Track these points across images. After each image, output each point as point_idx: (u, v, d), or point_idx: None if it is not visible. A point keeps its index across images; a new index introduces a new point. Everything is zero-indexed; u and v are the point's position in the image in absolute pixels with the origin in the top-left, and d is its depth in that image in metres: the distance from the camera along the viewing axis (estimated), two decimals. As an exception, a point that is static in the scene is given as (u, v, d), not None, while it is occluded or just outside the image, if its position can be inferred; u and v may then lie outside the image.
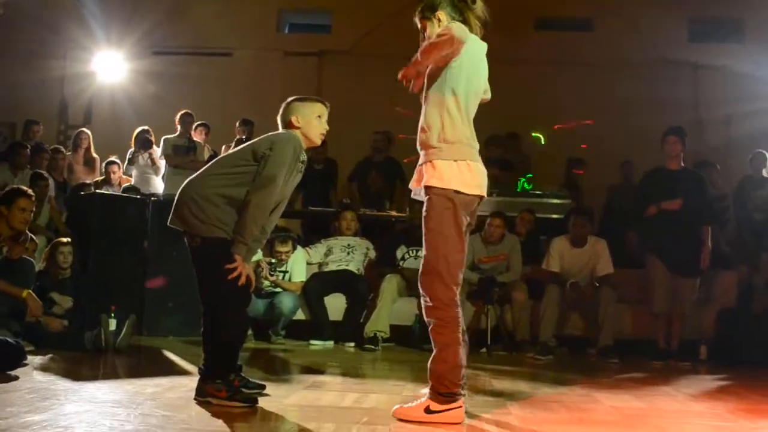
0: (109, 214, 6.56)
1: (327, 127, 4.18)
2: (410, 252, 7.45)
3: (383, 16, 11.92)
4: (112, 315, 5.75)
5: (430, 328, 3.65)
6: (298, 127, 4.08)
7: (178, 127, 9.30)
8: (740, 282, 7.48)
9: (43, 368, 4.74)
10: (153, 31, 11.37)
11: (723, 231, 8.19)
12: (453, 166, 3.56)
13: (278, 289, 7.16)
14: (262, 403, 3.85)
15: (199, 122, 9.64)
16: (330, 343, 7.00)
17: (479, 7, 3.75)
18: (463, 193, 3.56)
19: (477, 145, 3.68)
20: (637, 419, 3.98)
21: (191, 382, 4.01)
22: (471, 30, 3.66)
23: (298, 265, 7.30)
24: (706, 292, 7.29)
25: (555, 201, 9.02)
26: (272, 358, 6.21)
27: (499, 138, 9.78)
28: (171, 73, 11.40)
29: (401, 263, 7.43)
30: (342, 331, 7.12)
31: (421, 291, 3.73)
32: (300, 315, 7.27)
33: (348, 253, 7.54)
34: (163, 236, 6.51)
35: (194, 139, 9.42)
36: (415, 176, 3.73)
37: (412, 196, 3.92)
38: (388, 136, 9.70)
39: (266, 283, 7.14)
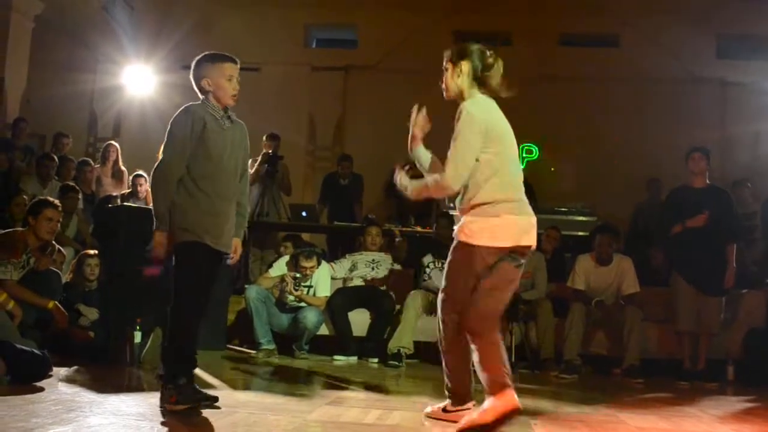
0: (135, 227, 6.59)
1: (238, 87, 4.12)
2: (436, 262, 7.41)
3: (408, 32, 12.00)
4: (138, 327, 5.79)
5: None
6: (209, 91, 4.08)
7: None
8: (768, 302, 7.40)
9: (69, 380, 4.78)
10: (181, 45, 11.46)
11: (750, 250, 8.12)
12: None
13: (302, 304, 7.16)
14: (286, 418, 3.86)
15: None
16: (354, 359, 6.99)
17: (498, 70, 3.91)
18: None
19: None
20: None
21: (216, 396, 4.03)
22: (492, 82, 3.88)
23: (323, 280, 7.30)
24: (734, 311, 7.22)
25: (580, 218, 9.00)
26: (295, 372, 6.22)
27: None
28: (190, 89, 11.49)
29: (427, 271, 7.41)
30: (366, 346, 7.11)
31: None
32: (324, 330, 7.27)
33: (372, 268, 7.54)
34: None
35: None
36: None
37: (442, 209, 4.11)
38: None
39: (291, 297, 7.14)
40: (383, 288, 7.48)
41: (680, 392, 6.23)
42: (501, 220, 3.76)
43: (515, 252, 3.80)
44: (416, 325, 7.06)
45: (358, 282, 7.50)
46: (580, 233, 8.56)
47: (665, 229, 7.10)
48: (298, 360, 6.86)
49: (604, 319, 7.15)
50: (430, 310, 7.19)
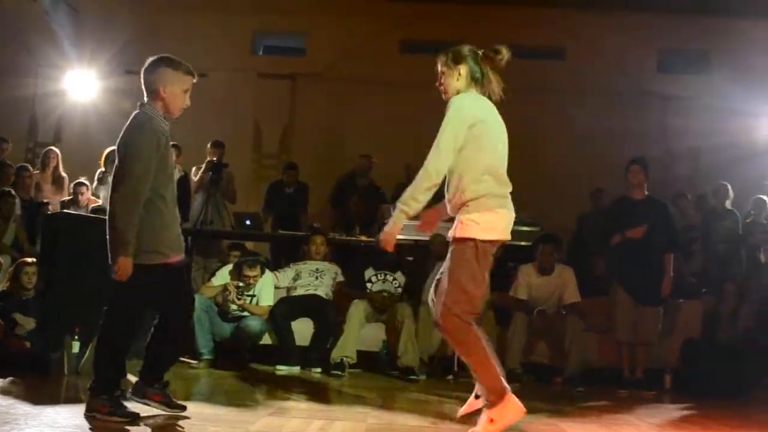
0: (75, 235, 6.49)
1: (189, 103, 4.08)
2: (378, 275, 7.46)
3: (356, 41, 12.02)
4: (76, 337, 5.69)
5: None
6: (162, 98, 4.00)
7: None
8: (705, 312, 7.55)
9: (3, 391, 4.68)
10: (126, 49, 11.30)
11: (688, 261, 8.29)
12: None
13: (245, 313, 7.11)
14: (227, 429, 3.82)
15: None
16: (296, 369, 6.94)
17: (503, 61, 4.08)
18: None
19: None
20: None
21: (155, 408, 3.98)
22: (488, 84, 4.05)
23: (266, 289, 7.26)
24: (671, 321, 7.35)
25: (523, 228, 9.05)
26: (237, 382, 6.16)
27: None
28: (144, 93, 11.34)
29: (369, 286, 7.43)
30: (309, 356, 7.07)
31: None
32: (266, 339, 7.22)
33: (316, 277, 7.52)
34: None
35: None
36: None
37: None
38: (370, 160, 9.77)
39: (233, 306, 7.09)
40: (326, 297, 7.46)
41: (619, 401, 6.32)
42: (495, 214, 3.88)
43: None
44: (359, 334, 7.06)
45: (301, 291, 7.46)
46: (523, 243, 8.62)
47: (606, 240, 7.22)
48: (239, 370, 6.80)
49: (546, 328, 7.24)
50: (375, 317, 7.23)
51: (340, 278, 7.68)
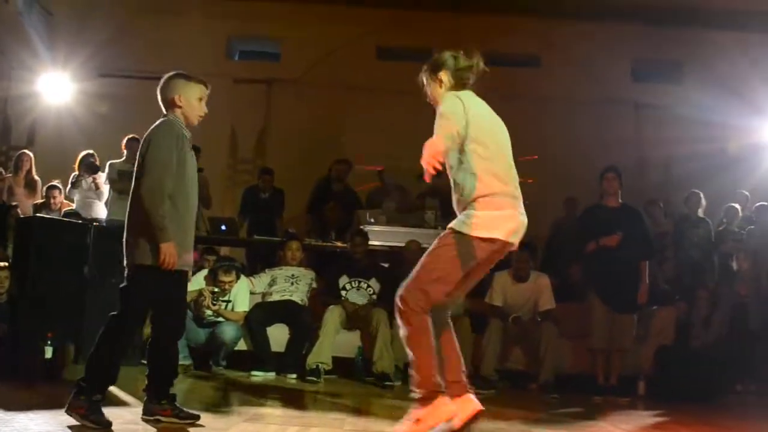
0: (48, 239, 6.43)
1: (206, 110, 4.22)
2: (352, 283, 7.47)
3: (332, 47, 12.02)
4: (49, 342, 5.63)
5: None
6: (179, 106, 4.14)
7: (125, 151, 9.15)
8: (678, 318, 7.62)
9: (-26, 397, 4.61)
10: (100, 52, 11.25)
11: (662, 268, 8.36)
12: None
13: (220, 319, 7.08)
14: (201, 435, 3.80)
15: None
16: (272, 375, 6.93)
17: (479, 64, 4.03)
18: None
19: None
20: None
21: (127, 413, 3.95)
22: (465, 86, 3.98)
23: (242, 294, 7.23)
24: (645, 328, 7.41)
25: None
26: (212, 388, 6.13)
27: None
28: (118, 96, 11.27)
29: (343, 293, 7.43)
30: (284, 362, 7.05)
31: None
32: (242, 345, 7.20)
33: (292, 283, 7.49)
34: (104, 263, 6.42)
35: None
36: None
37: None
38: (348, 165, 9.76)
39: (208, 312, 7.06)
40: (302, 302, 7.44)
41: (593, 407, 6.36)
42: (503, 213, 3.80)
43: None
44: (335, 340, 7.05)
45: (276, 297, 7.44)
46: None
47: (580, 247, 7.26)
48: (214, 375, 6.77)
49: (521, 335, 7.26)
50: (349, 324, 7.22)
51: (316, 284, 7.66)
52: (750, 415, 6.37)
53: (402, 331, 3.83)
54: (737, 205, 9.34)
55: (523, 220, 3.89)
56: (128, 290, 3.97)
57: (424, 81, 4.08)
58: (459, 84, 3.99)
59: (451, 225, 3.84)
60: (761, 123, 11.08)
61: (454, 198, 3.93)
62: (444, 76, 4.00)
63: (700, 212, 9.09)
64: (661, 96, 12.10)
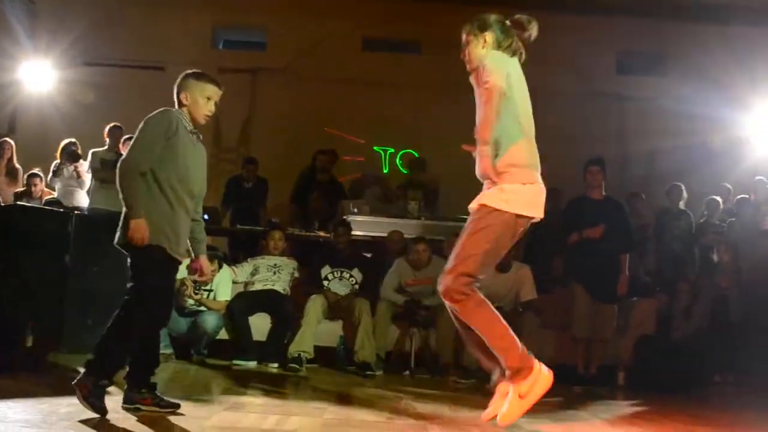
0: (29, 227, 6.40)
1: (213, 110, 4.22)
2: (335, 273, 7.47)
3: (319, 37, 11.98)
4: (30, 331, 5.60)
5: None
6: (185, 105, 4.16)
7: (107, 140, 9.10)
8: (658, 310, 7.67)
9: (-46, 386, 4.59)
10: (82, 40, 11.16)
11: (643, 260, 8.41)
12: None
13: (202, 308, 7.07)
14: (181, 423, 3.80)
15: (128, 136, 9.46)
16: (253, 363, 6.93)
17: (531, 34, 3.98)
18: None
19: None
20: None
21: (107, 402, 3.93)
22: (515, 54, 3.92)
23: (224, 283, 7.22)
24: (625, 319, 7.45)
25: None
26: (193, 377, 6.13)
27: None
28: (101, 85, 11.22)
29: (326, 283, 7.43)
30: (266, 351, 7.05)
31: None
32: (223, 334, 7.19)
33: (274, 272, 7.49)
34: (85, 251, 6.41)
35: (122, 152, 9.23)
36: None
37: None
38: (332, 156, 9.76)
39: (190, 301, 7.05)
40: (284, 292, 7.45)
41: (573, 396, 6.38)
42: (535, 187, 3.80)
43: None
44: (316, 329, 7.05)
45: (259, 286, 7.43)
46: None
47: (563, 239, 7.30)
48: (195, 364, 6.77)
49: (503, 325, 7.28)
50: (331, 314, 7.22)
51: (298, 274, 7.66)
52: (728, 406, 6.43)
53: (464, 321, 3.86)
54: (719, 198, 9.40)
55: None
56: (129, 272, 4.00)
57: (466, 37, 4.00)
58: (500, 49, 3.91)
59: (485, 201, 3.78)
60: (743, 116, 11.13)
61: (485, 162, 3.82)
62: (489, 37, 3.93)
63: (682, 205, 9.14)
64: (645, 88, 12.15)
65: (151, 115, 4.07)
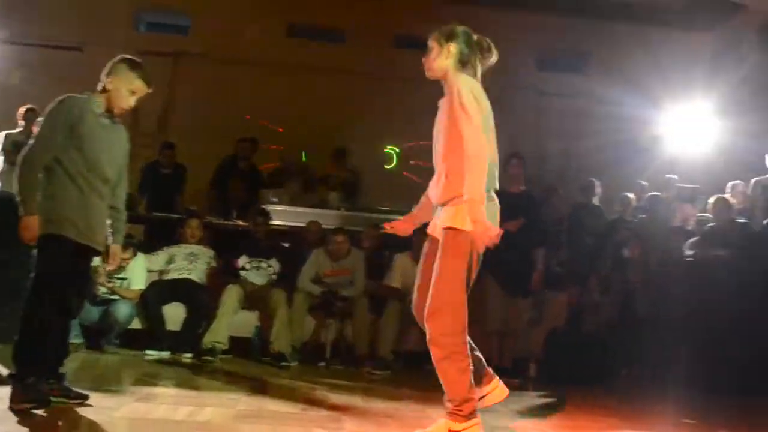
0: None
1: (132, 105, 4.16)
2: (252, 262, 7.43)
3: (243, 22, 11.84)
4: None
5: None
6: (108, 90, 4.09)
7: (21, 122, 8.86)
8: (570, 303, 7.84)
9: None
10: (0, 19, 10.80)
11: (556, 254, 8.58)
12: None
13: (114, 297, 6.95)
14: (89, 415, 3.75)
15: (41, 118, 9.21)
16: (166, 354, 6.82)
17: (491, 60, 3.95)
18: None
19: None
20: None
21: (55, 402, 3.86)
22: (474, 73, 3.87)
23: (138, 272, 7.12)
24: (538, 311, 7.59)
25: (399, 218, 9.16)
26: (103, 367, 6.04)
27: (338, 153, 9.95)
28: (16, 65, 10.89)
29: (242, 273, 7.38)
30: (179, 341, 6.96)
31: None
32: (136, 324, 7.08)
33: (190, 261, 7.41)
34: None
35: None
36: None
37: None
38: (254, 144, 9.68)
39: (102, 289, 6.93)
40: (200, 281, 7.37)
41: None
42: (491, 205, 3.76)
43: None
44: (232, 319, 7.01)
45: (174, 275, 7.34)
46: (400, 232, 8.73)
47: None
48: (107, 354, 6.65)
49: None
50: (247, 304, 7.18)
51: (215, 263, 7.59)
52: (634, 397, 6.62)
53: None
54: (631, 195, 9.63)
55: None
56: (36, 261, 3.93)
57: (431, 43, 3.95)
58: (461, 63, 3.87)
59: (448, 224, 3.73)
60: (659, 116, 11.44)
61: (437, 192, 3.85)
62: (454, 48, 3.87)
63: (596, 200, 9.35)
64: (565, 86, 12.38)
65: (51, 105, 4.00)
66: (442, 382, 3.77)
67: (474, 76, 3.86)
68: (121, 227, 4.33)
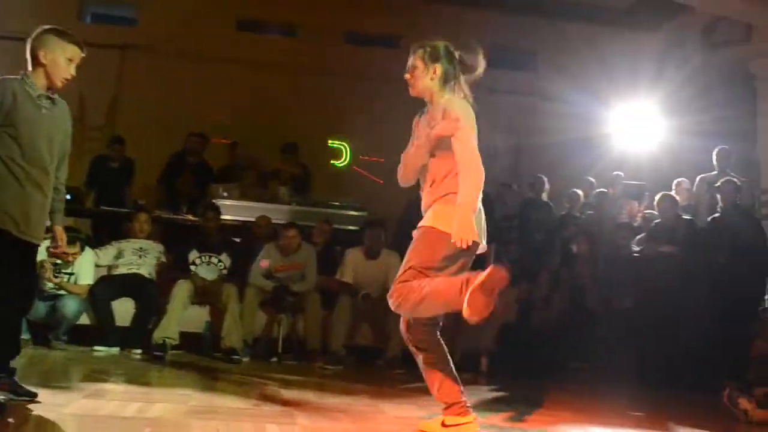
0: None
1: (74, 73, 4.02)
2: (203, 257, 7.37)
3: (191, 15, 11.71)
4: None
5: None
6: (43, 64, 3.93)
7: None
8: (520, 298, 7.91)
9: None
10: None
11: (507, 249, 8.66)
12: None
13: (62, 292, 6.84)
14: (38, 411, 3.68)
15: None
16: (115, 350, 6.75)
17: (477, 74, 3.94)
18: None
19: None
20: (417, 429, 4.11)
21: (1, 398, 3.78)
22: (458, 88, 3.89)
23: (86, 267, 7.02)
24: (490, 306, 7.64)
25: (352, 213, 9.19)
26: (51, 364, 5.94)
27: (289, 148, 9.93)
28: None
29: (193, 268, 7.31)
30: (129, 337, 6.89)
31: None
32: (84, 319, 6.98)
33: (140, 256, 7.33)
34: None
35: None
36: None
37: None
38: (204, 139, 9.59)
39: (49, 285, 6.81)
40: (149, 276, 7.29)
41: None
42: (479, 216, 3.77)
43: None
44: (183, 315, 6.95)
45: (123, 270, 7.25)
46: (351, 227, 8.76)
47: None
48: (55, 351, 6.54)
49: (370, 311, 7.37)
50: (198, 299, 7.13)
51: (164, 258, 7.51)
52: (583, 391, 6.71)
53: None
54: (580, 191, 9.77)
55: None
56: None
57: (415, 62, 3.92)
58: (445, 82, 3.88)
59: (428, 224, 3.78)
60: (607, 114, 11.59)
61: (427, 193, 3.91)
62: (439, 69, 3.86)
63: (545, 196, 9.46)
64: (515, 83, 12.47)
65: None
66: (429, 388, 3.94)
67: (459, 90, 3.90)
68: (61, 207, 4.16)
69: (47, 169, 3.94)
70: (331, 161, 11.70)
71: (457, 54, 3.93)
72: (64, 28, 4.03)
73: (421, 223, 3.85)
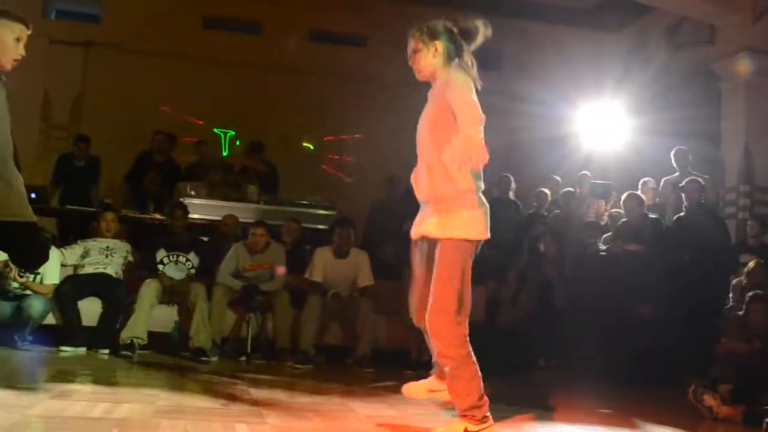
0: None
1: (23, 53, 3.93)
2: (170, 256, 7.33)
3: (156, 12, 11.63)
4: None
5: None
6: None
7: None
8: (488, 297, 7.95)
9: None
10: None
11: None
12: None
13: (27, 292, 6.76)
14: (2, 412, 3.62)
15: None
16: (82, 350, 6.69)
17: (477, 42, 3.88)
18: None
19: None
20: (387, 428, 4.13)
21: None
22: (463, 60, 3.80)
23: (51, 266, 6.92)
24: (458, 305, 7.67)
25: (321, 212, 9.19)
26: (17, 365, 5.86)
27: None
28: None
29: (161, 268, 7.26)
30: (96, 337, 6.82)
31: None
32: (50, 319, 6.90)
33: (106, 255, 7.27)
34: None
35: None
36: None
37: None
38: (171, 138, 9.53)
39: (14, 284, 6.73)
40: (116, 275, 7.23)
41: (407, 381, 6.51)
42: (483, 210, 3.71)
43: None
44: (150, 314, 6.90)
45: (89, 269, 7.18)
46: (320, 226, 8.74)
47: (399, 226, 7.43)
48: (20, 351, 6.46)
49: (339, 310, 7.36)
50: (166, 299, 7.08)
51: (131, 257, 7.45)
52: (551, 388, 6.76)
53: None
54: (547, 190, 9.84)
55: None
56: None
57: (415, 45, 3.88)
58: (448, 58, 3.81)
59: (449, 235, 3.68)
60: (572, 113, 11.67)
61: (425, 189, 3.82)
62: (440, 46, 3.81)
63: (511, 195, 9.51)
64: (481, 82, 12.51)
65: None
66: (450, 394, 3.88)
67: (464, 63, 3.82)
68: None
69: (6, 161, 3.88)
70: (304, 143, 11.68)
71: (455, 28, 3.89)
72: (5, 8, 3.93)
73: (434, 234, 3.78)
